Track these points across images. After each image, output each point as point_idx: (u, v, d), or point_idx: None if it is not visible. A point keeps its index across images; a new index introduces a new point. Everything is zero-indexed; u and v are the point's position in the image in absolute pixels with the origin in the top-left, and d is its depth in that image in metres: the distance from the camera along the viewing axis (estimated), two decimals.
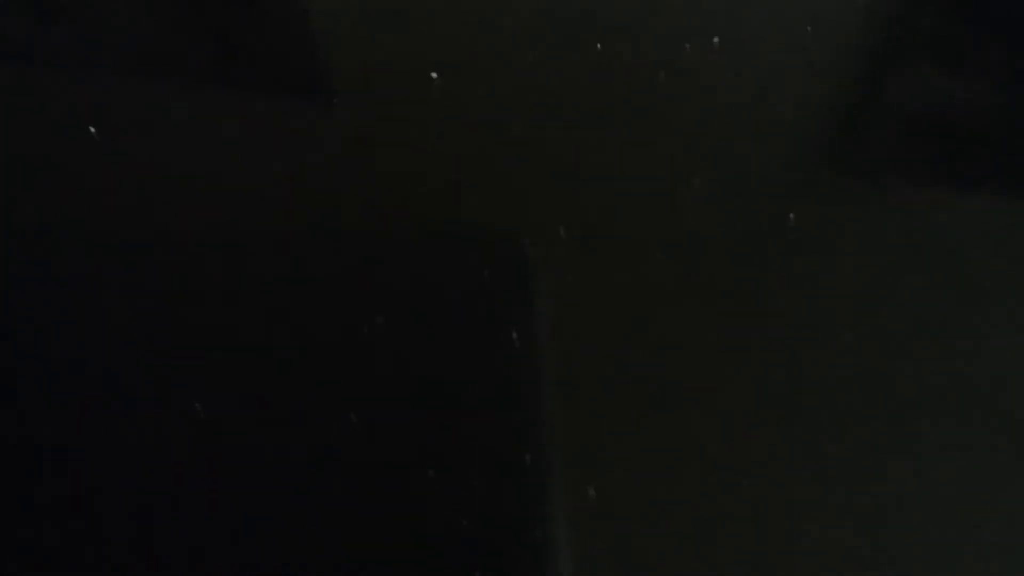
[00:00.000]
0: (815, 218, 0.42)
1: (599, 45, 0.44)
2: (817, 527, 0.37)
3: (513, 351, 0.39)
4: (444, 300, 0.40)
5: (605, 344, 0.40)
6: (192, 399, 0.37)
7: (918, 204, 0.43)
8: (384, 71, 0.44)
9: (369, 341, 0.38)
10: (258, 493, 0.36)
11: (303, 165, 0.42)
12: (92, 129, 0.41)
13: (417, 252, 0.40)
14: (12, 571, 0.34)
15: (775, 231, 0.42)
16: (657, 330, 0.40)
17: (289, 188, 0.41)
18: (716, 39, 0.45)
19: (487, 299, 0.40)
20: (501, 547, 0.37)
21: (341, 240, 0.41)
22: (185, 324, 0.38)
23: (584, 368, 0.39)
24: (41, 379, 0.37)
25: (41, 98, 0.41)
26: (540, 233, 0.41)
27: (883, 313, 0.40)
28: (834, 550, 0.36)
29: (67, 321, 0.38)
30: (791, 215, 0.42)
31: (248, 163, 0.42)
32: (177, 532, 0.35)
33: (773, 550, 0.36)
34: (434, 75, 0.43)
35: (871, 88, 0.45)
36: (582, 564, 0.36)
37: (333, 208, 0.41)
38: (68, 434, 0.36)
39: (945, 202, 0.43)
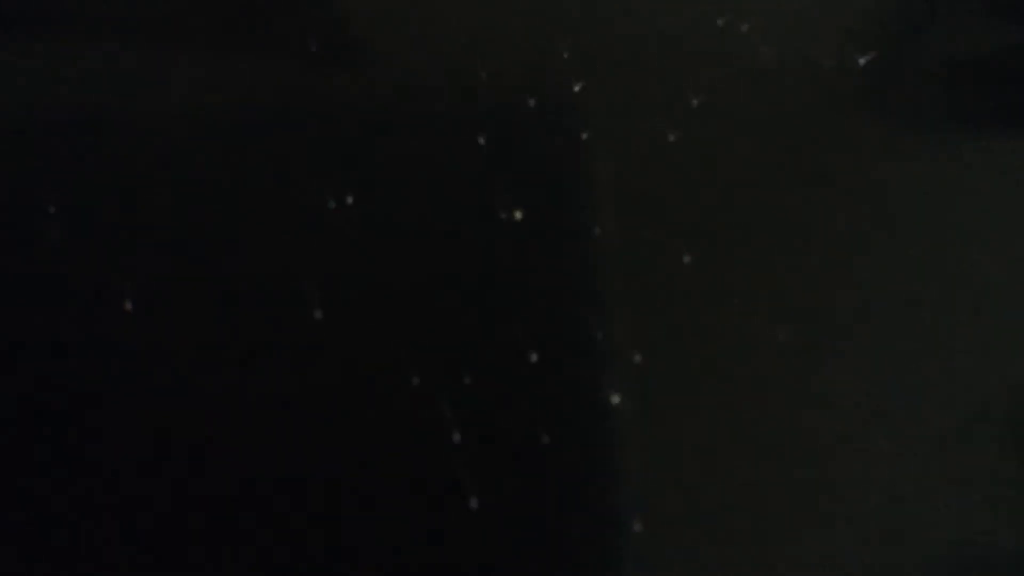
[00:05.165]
0: (845, 158, 0.39)
1: None
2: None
3: (512, 228, 0.35)
4: (436, 168, 0.35)
5: (620, 220, 0.36)
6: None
7: (956, 148, 0.40)
8: None
9: (341, 219, 0.35)
10: (216, 386, 0.34)
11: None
12: None
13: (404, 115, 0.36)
14: None
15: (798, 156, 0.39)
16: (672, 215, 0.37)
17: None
18: None
19: (483, 167, 0.35)
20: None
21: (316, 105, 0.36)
22: (139, 209, 0.35)
23: (596, 246, 0.36)
24: None
25: (45, 59, 0.37)
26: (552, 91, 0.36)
27: (908, 258, 0.38)
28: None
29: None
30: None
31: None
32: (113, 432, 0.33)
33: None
34: None
35: (913, 31, 0.42)
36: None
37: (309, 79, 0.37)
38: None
39: (981, 146, 0.40)
